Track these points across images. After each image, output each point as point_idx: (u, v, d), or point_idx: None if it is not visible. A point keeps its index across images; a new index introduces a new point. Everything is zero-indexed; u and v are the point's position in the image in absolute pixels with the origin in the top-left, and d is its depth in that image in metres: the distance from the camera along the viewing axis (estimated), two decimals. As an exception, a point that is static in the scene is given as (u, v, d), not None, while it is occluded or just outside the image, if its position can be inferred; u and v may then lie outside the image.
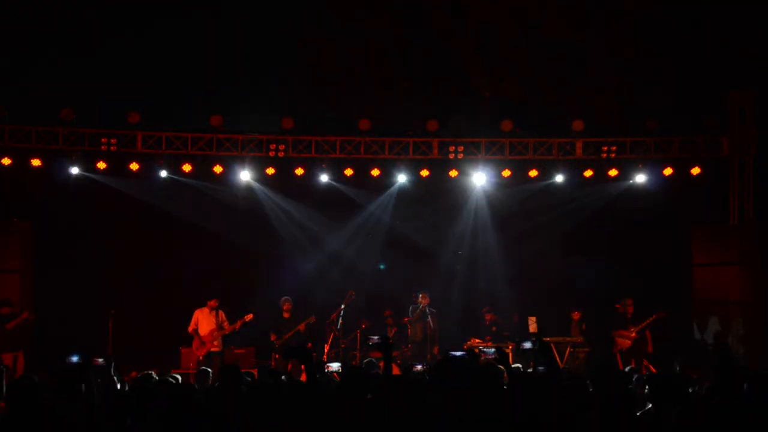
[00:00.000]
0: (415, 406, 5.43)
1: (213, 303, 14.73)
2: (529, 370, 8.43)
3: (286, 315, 14.95)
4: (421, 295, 15.24)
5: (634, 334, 14.46)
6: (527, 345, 5.97)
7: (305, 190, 16.11)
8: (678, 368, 9.27)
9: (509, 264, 16.43)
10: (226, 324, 14.69)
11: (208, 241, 16.47)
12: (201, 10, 17.89)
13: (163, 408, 5.54)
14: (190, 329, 14.64)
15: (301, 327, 14.69)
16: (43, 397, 5.77)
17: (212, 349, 14.55)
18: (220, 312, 14.76)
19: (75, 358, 5.89)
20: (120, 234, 16.08)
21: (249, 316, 14.64)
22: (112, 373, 6.54)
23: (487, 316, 15.35)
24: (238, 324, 14.64)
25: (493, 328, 15.16)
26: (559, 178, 15.57)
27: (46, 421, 5.52)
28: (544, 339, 6.11)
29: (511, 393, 6.01)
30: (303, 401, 5.75)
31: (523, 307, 15.46)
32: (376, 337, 6.07)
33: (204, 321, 14.67)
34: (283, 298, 15.06)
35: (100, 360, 6.51)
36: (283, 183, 15.96)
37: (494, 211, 16.41)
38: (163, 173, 15.41)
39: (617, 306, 14.72)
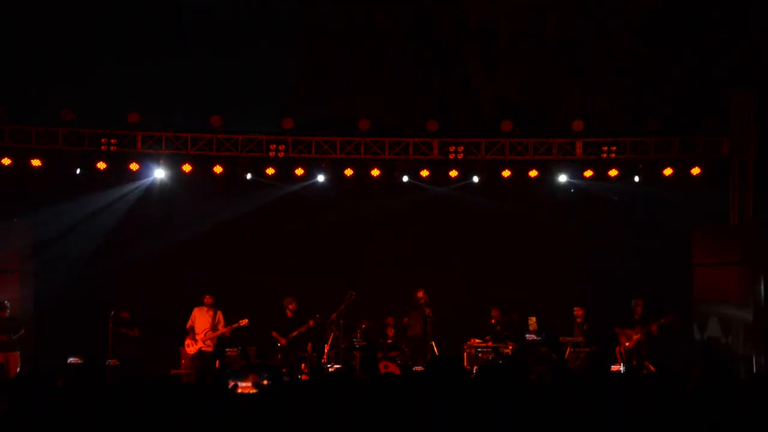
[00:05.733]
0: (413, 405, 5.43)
1: (208, 299, 14.71)
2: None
3: (289, 314, 14.92)
4: (419, 292, 15.23)
5: (639, 335, 14.47)
6: (531, 336, 6.02)
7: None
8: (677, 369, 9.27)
9: (511, 263, 16.43)
10: (220, 325, 14.67)
11: (209, 240, 16.44)
12: (201, 10, 17.92)
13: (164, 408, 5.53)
14: (187, 326, 14.68)
15: (303, 329, 14.68)
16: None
17: (204, 349, 14.53)
18: (219, 312, 14.73)
19: (76, 359, 5.88)
20: (120, 234, 16.06)
21: (244, 321, 14.59)
22: (126, 374, 6.51)
23: (494, 314, 15.33)
24: (232, 327, 14.58)
25: (497, 327, 15.14)
26: (560, 178, 15.57)
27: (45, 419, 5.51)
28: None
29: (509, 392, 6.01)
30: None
31: (524, 307, 15.43)
32: (361, 341, 6.16)
33: (200, 318, 14.69)
34: (288, 297, 15.04)
35: (114, 361, 6.51)
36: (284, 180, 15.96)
37: (494, 209, 16.38)
38: (163, 173, 15.40)
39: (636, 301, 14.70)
